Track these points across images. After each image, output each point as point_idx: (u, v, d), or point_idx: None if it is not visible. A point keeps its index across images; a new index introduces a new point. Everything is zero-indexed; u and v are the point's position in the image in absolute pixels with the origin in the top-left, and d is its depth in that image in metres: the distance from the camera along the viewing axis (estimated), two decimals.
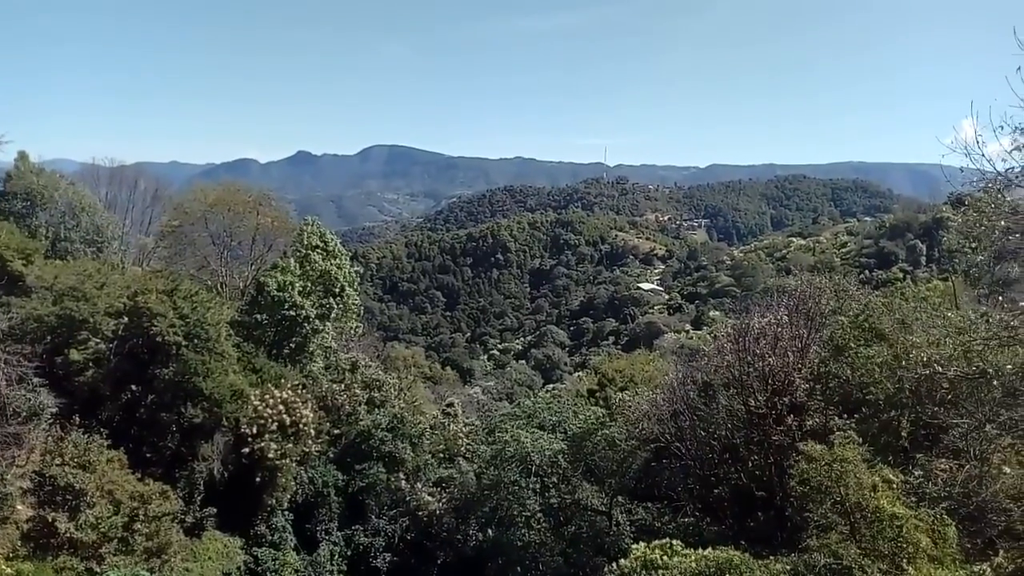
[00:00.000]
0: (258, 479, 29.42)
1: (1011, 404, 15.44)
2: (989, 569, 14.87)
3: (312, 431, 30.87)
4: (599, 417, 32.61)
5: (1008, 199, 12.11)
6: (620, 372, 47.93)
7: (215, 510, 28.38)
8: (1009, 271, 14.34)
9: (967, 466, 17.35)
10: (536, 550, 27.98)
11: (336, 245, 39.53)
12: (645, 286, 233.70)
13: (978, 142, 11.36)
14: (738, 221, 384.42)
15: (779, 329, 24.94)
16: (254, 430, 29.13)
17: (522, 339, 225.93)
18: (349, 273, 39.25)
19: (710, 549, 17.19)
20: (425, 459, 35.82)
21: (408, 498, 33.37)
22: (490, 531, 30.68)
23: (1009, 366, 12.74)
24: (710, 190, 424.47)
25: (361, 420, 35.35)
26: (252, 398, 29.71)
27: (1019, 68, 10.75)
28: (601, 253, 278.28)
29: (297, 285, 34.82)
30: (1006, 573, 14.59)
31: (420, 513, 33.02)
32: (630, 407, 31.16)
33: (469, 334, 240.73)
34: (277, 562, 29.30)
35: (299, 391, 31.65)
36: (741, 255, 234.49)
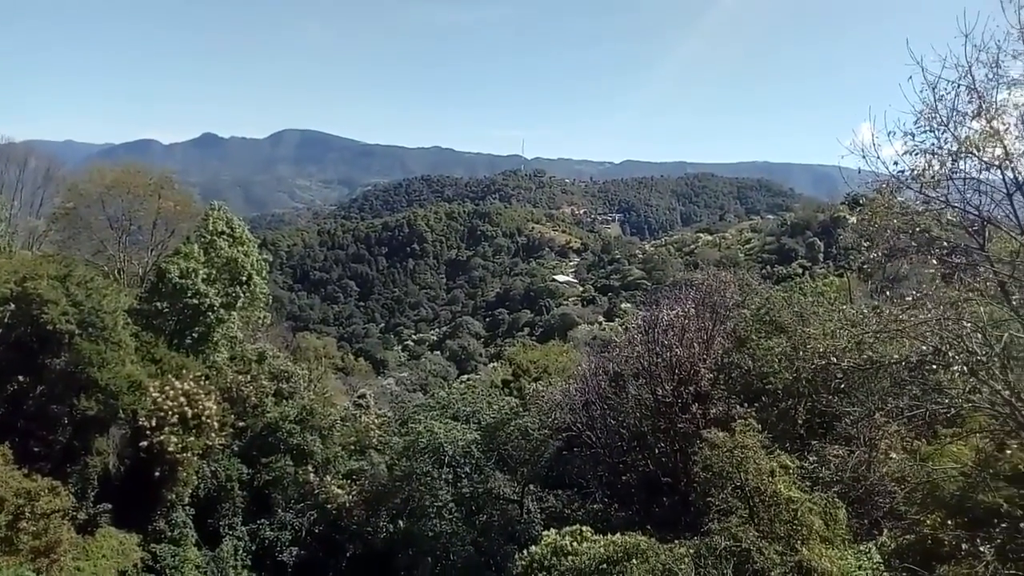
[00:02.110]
0: (157, 473, 28.08)
1: (898, 393, 16.45)
2: (874, 548, 15.82)
3: (216, 424, 29.68)
4: (513, 407, 32.80)
5: (899, 200, 12.77)
6: (534, 363, 48.42)
7: (110, 506, 26.95)
8: (899, 268, 15.24)
9: (857, 452, 18.38)
10: (447, 540, 27.90)
11: (243, 231, 38.04)
12: (560, 278, 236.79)
13: (874, 145, 11.97)
14: (650, 216, 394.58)
15: (686, 321, 25.71)
16: (153, 423, 27.77)
17: (437, 330, 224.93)
18: (257, 261, 37.89)
19: (618, 534, 17.56)
20: (335, 451, 35.08)
21: (317, 491, 32.62)
22: (401, 522, 30.40)
23: (896, 357, 13.54)
24: (624, 185, 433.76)
25: (268, 412, 34.26)
26: (151, 389, 28.28)
27: (910, 77, 11.39)
28: (518, 245, 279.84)
29: (201, 272, 33.32)
30: (889, 551, 15.56)
31: (329, 506, 32.35)
32: (543, 397, 31.51)
33: (383, 324, 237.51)
34: (177, 558, 28.09)
35: (202, 382, 30.35)
36: (652, 249, 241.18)
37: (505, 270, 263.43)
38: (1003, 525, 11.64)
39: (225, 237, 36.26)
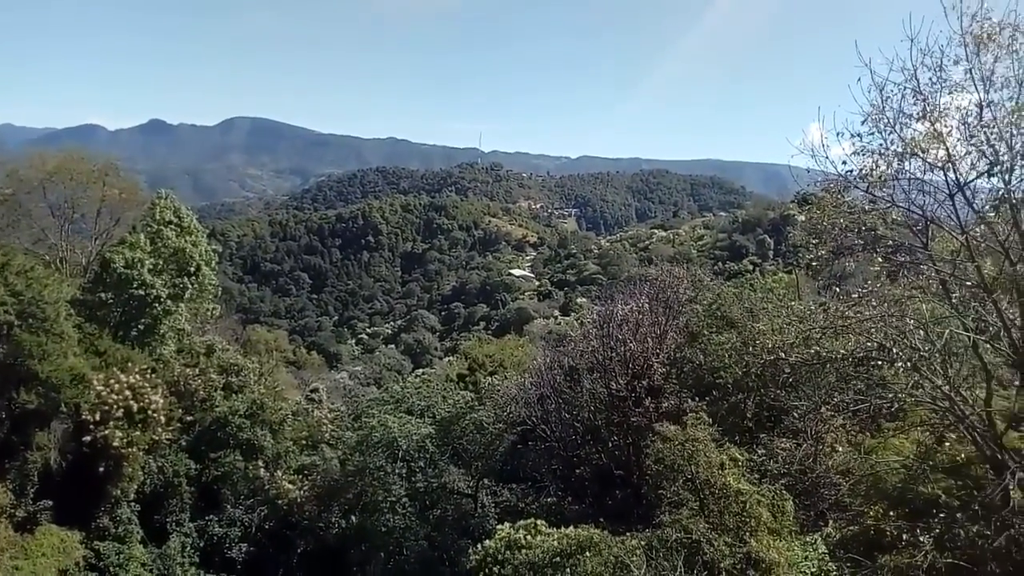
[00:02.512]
0: (101, 469, 27.29)
1: (843, 388, 16.91)
2: (820, 538, 16.26)
3: (162, 418, 28.96)
4: (468, 401, 32.74)
5: (847, 199, 13.07)
6: (490, 357, 48.35)
7: (51, 503, 26.14)
8: (846, 266, 15.59)
9: (804, 445, 18.84)
10: (401, 535, 27.75)
11: (192, 221, 37.07)
12: (517, 272, 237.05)
13: (823, 145, 12.23)
14: (606, 212, 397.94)
15: (640, 316, 25.99)
16: (97, 417, 26.97)
17: (392, 323, 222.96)
18: (206, 251, 36.99)
19: (571, 527, 17.70)
20: (286, 446, 34.58)
21: (267, 486, 32.12)
22: (354, 517, 30.10)
23: (842, 352, 13.89)
24: (580, 180, 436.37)
25: (217, 406, 33.58)
26: (95, 383, 27.45)
27: (859, 79, 11.66)
28: (474, 238, 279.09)
29: (147, 262, 32.39)
30: (834, 541, 16.00)
31: (280, 501, 31.88)
32: (499, 391, 31.52)
33: (337, 318, 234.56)
34: (122, 556, 27.37)
35: (148, 375, 29.58)
36: (608, 244, 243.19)
37: (461, 264, 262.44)
38: (941, 515, 12.07)
39: (173, 227, 35.30)
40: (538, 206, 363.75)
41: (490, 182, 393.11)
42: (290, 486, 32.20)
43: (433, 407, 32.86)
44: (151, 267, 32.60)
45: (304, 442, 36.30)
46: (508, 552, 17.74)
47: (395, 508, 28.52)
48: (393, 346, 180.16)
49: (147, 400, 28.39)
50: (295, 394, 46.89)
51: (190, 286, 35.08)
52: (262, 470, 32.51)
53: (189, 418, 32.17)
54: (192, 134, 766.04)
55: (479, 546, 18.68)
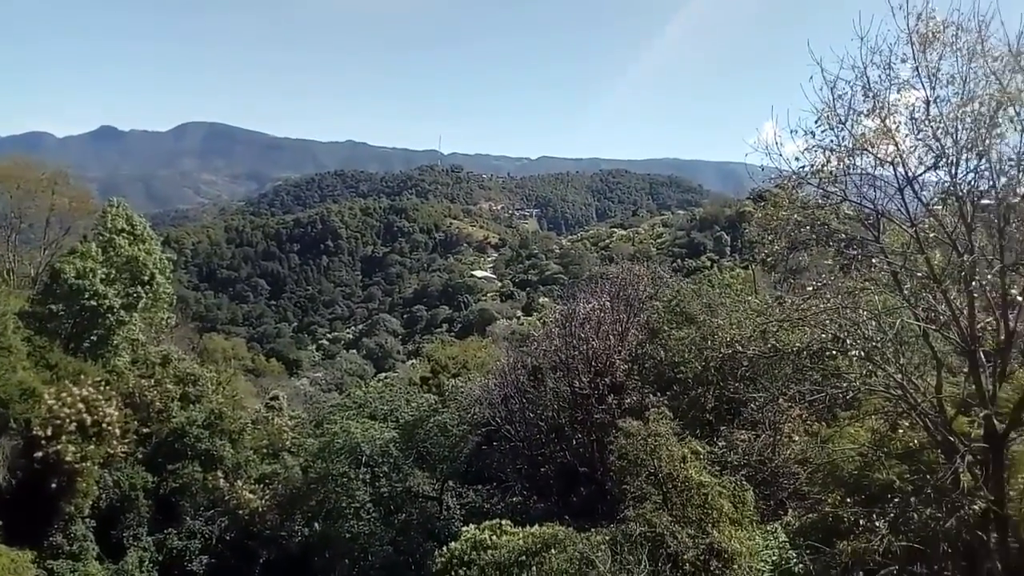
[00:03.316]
0: (54, 485, 26.48)
1: (800, 379, 17.23)
2: (780, 527, 16.58)
3: (117, 431, 28.27)
4: (431, 404, 32.61)
5: (800, 195, 13.33)
6: (453, 359, 48.31)
7: (0, 523, 25.17)
8: (800, 260, 15.91)
9: (762, 436, 19.20)
10: (365, 541, 27.49)
11: (145, 229, 36.23)
12: (479, 273, 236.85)
13: (777, 143, 12.44)
14: (566, 212, 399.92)
15: (602, 314, 26.18)
16: (49, 432, 26.17)
17: (353, 328, 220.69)
18: (160, 259, 36.17)
19: (537, 526, 17.75)
20: (246, 455, 33.96)
21: (227, 497, 31.49)
22: (317, 525, 29.72)
23: (798, 344, 14.19)
24: (541, 181, 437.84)
25: (174, 417, 32.83)
26: (46, 397, 26.65)
27: (811, 77, 11.92)
28: (435, 241, 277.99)
29: (99, 272, 31.52)
30: (793, 529, 16.34)
31: (241, 512, 31.30)
32: (462, 393, 31.48)
33: (296, 324, 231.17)
34: (77, 573, 26.61)
35: (102, 388, 28.83)
36: (569, 244, 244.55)
37: (423, 266, 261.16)
38: (895, 500, 12.41)
39: (125, 235, 34.44)
40: (499, 207, 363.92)
41: (450, 184, 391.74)
42: (251, 496, 31.63)
43: (396, 411, 32.65)
44: (103, 277, 31.75)
45: (265, 451, 35.72)
46: (474, 553, 17.70)
47: (359, 514, 28.25)
48: (355, 351, 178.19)
49: (101, 413, 27.68)
50: (255, 402, 46.07)
51: (144, 295, 34.24)
52: (222, 480, 31.86)
53: (145, 430, 31.43)
54: (144, 140, 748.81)
55: (445, 548, 18.62)
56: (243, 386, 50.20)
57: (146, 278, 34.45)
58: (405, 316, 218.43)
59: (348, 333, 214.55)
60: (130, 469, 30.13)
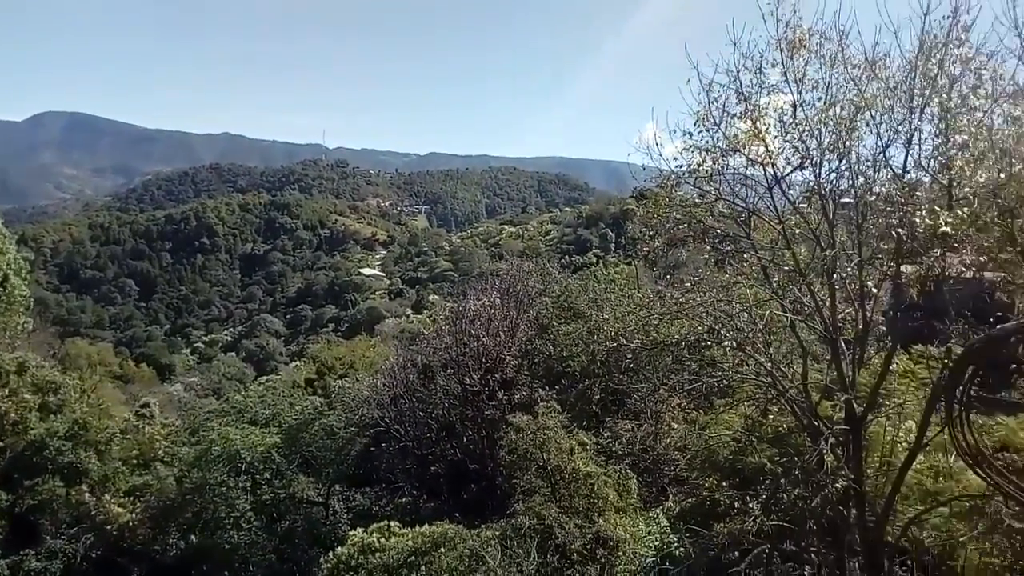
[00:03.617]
0: None
1: (679, 369, 17.93)
2: (661, 513, 17.20)
3: None
4: (317, 407, 31.68)
5: (679, 194, 13.80)
6: (340, 359, 47.24)
7: None
8: (679, 256, 16.50)
9: (645, 425, 19.85)
10: (246, 551, 26.25)
11: None
12: (366, 271, 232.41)
13: (657, 144, 12.79)
14: (456, 209, 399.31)
15: (492, 311, 26.23)
16: None
17: (232, 330, 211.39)
18: (15, 259, 33.06)
19: (426, 525, 17.55)
20: (115, 467, 31.63)
21: (94, 512, 29.20)
22: (194, 537, 28.09)
23: (678, 336, 14.75)
24: (430, 177, 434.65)
25: (32, 429, 30.06)
26: None
27: (688, 80, 12.35)
28: (320, 238, 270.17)
29: None
30: (674, 514, 16.99)
31: (109, 527, 29.10)
32: (350, 394, 30.76)
33: (169, 326, 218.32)
34: None
35: None
36: (459, 241, 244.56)
37: (307, 264, 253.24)
38: (767, 482, 13.09)
39: None
40: (387, 204, 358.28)
41: (336, 179, 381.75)
42: (120, 509, 29.52)
43: (279, 415, 31.41)
44: None
45: (135, 461, 33.44)
46: (361, 557, 17.27)
47: (239, 524, 26.96)
48: (233, 354, 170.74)
49: None
50: (123, 410, 43.09)
51: None
52: (87, 495, 29.54)
53: None
54: None
55: (331, 554, 18.04)
56: (111, 394, 46.98)
57: None
58: (288, 316, 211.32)
59: (226, 335, 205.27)
60: None
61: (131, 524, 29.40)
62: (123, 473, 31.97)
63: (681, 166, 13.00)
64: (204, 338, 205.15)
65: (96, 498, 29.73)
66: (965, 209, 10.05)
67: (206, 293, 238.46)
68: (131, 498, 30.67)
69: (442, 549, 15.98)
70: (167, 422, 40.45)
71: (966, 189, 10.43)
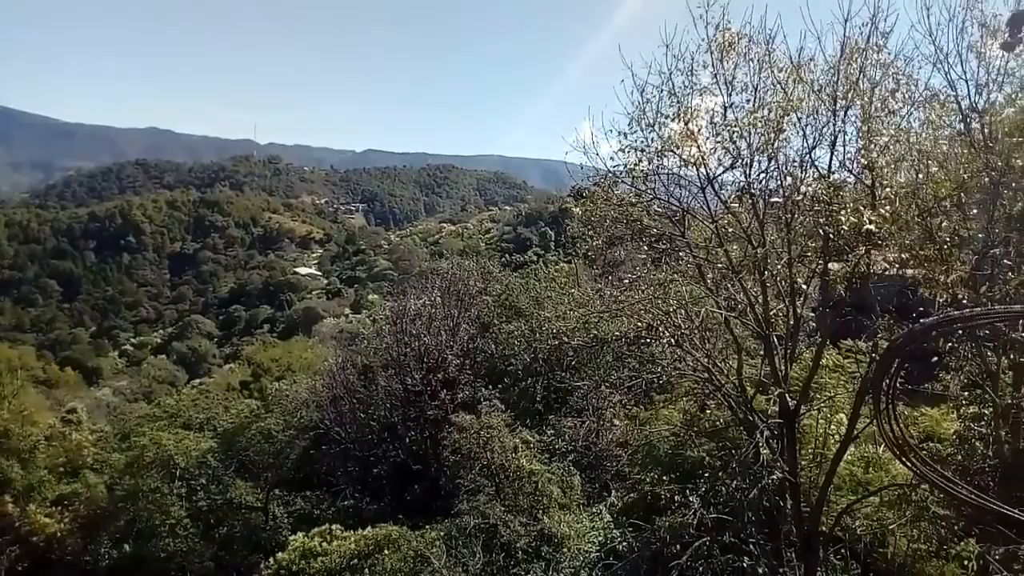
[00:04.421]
0: None
1: (619, 366, 18.27)
2: (604, 508, 17.45)
3: None
4: (253, 410, 30.98)
5: (616, 193, 14.00)
6: (276, 361, 46.12)
7: None
8: (617, 254, 16.75)
9: (587, 422, 20.08)
10: (183, 558, 25.53)
11: None
12: (302, 271, 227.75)
13: (594, 143, 12.95)
14: (395, 207, 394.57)
15: (433, 310, 26.11)
16: None
17: (162, 331, 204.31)
18: None
19: (370, 528, 17.37)
20: (40, 476, 30.34)
21: (18, 523, 27.99)
22: (127, 546, 27.13)
23: (617, 333, 15.01)
24: (367, 175, 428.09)
25: None
26: None
27: (623, 81, 12.53)
28: (253, 236, 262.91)
29: None
30: (617, 509, 17.27)
31: (35, 539, 27.91)
32: (287, 396, 30.17)
33: (95, 328, 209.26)
34: None
35: None
36: (398, 239, 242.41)
37: (240, 263, 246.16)
38: (706, 475, 13.49)
39: None
40: (323, 201, 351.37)
41: (268, 176, 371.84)
42: (47, 520, 28.33)
43: (214, 419, 30.67)
44: None
45: (62, 469, 32.09)
46: (303, 562, 16.98)
47: (175, 531, 26.18)
48: (164, 356, 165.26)
49: None
50: (48, 417, 41.16)
51: None
52: (11, 505, 28.32)
53: None
54: None
55: (272, 560, 17.68)
56: (34, 399, 44.65)
57: None
58: (221, 317, 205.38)
59: (156, 337, 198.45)
60: None
61: (59, 534, 28.27)
62: (49, 482, 30.70)
63: (617, 166, 13.18)
64: (133, 340, 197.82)
65: (20, 508, 28.52)
66: (887, 208, 10.51)
67: (133, 293, 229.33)
68: (59, 507, 29.48)
69: (386, 551, 15.89)
70: (95, 428, 39.00)
71: (888, 189, 10.89)
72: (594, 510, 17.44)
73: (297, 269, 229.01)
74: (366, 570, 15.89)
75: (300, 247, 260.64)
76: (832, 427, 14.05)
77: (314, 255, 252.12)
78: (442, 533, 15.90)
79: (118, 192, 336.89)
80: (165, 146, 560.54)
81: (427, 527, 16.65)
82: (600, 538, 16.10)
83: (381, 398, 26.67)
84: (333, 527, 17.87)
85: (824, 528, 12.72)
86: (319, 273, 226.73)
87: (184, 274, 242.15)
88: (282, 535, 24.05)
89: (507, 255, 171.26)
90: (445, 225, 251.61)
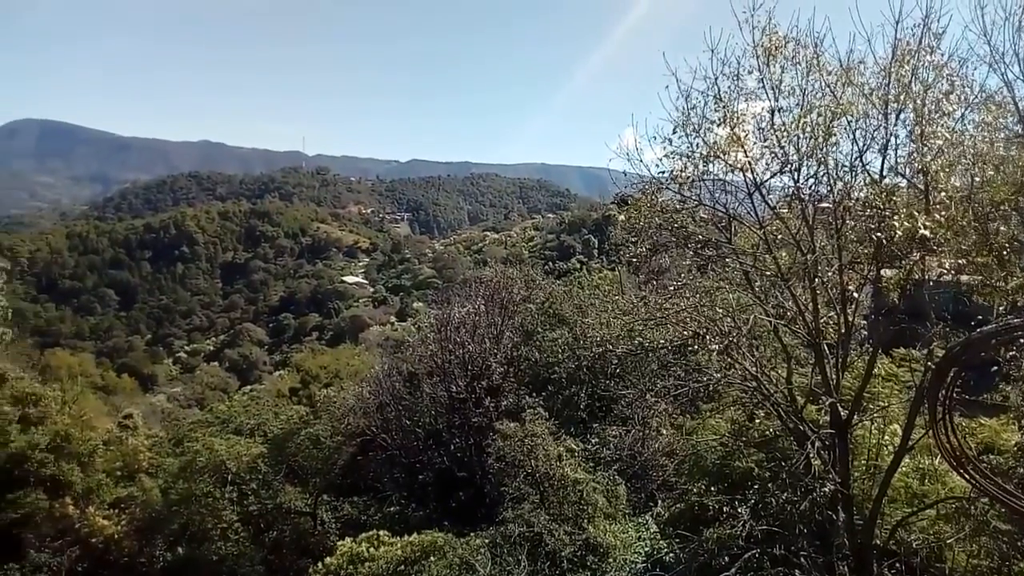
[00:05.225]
0: None
1: (664, 375, 18.06)
2: (651, 518, 17.27)
3: None
4: (302, 416, 31.48)
5: (661, 200, 13.89)
6: (324, 368, 46.92)
7: None
8: (661, 261, 16.61)
9: (632, 431, 19.92)
10: (234, 562, 26.06)
11: None
12: (349, 279, 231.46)
13: (637, 150, 12.88)
14: (438, 215, 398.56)
15: (477, 318, 26.25)
16: None
17: (214, 339, 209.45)
18: None
19: (415, 534, 17.50)
20: (98, 479, 31.32)
21: (78, 525, 28.93)
22: (180, 549, 27.85)
23: (662, 341, 14.86)
24: (412, 184, 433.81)
25: (12, 442, 29.65)
26: None
27: (667, 87, 12.46)
28: (302, 246, 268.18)
29: None
30: (663, 520, 17.06)
31: (94, 540, 28.81)
32: (335, 403, 30.61)
33: (150, 336, 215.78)
34: None
35: None
36: (442, 248, 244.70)
37: (289, 272, 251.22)
38: (755, 487, 13.23)
39: None
40: (369, 211, 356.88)
41: (316, 187, 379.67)
42: (105, 522, 29.23)
43: (264, 425, 31.29)
44: None
45: (119, 473, 33.11)
46: (351, 567, 17.18)
47: (226, 535, 26.77)
48: (216, 363, 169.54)
49: None
50: (106, 422, 42.60)
51: None
52: (71, 507, 29.23)
53: None
54: None
55: (320, 564, 17.94)
56: (92, 405, 46.33)
57: None
58: (271, 325, 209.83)
59: (208, 344, 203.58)
60: None
61: (116, 537, 29.12)
62: (107, 485, 31.66)
63: (662, 172, 13.08)
64: (186, 348, 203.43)
65: (80, 511, 29.42)
66: (942, 213, 10.21)
67: (187, 302, 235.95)
68: (115, 510, 30.38)
69: (432, 558, 15.94)
70: (151, 433, 40.14)
71: (942, 193, 10.58)
72: (640, 520, 17.26)
73: (344, 278, 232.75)
74: None
75: (347, 256, 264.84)
76: (886, 438, 13.66)
77: (360, 264, 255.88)
78: (487, 541, 15.90)
79: (172, 203, 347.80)
80: (217, 158, 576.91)
81: (472, 534, 16.68)
82: (646, 549, 15.92)
83: (426, 405, 26.87)
84: (380, 533, 18.04)
85: (878, 541, 12.36)
86: (365, 281, 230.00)
87: (235, 283, 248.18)
88: (330, 540, 24.40)
89: (550, 262, 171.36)
90: (488, 233, 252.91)
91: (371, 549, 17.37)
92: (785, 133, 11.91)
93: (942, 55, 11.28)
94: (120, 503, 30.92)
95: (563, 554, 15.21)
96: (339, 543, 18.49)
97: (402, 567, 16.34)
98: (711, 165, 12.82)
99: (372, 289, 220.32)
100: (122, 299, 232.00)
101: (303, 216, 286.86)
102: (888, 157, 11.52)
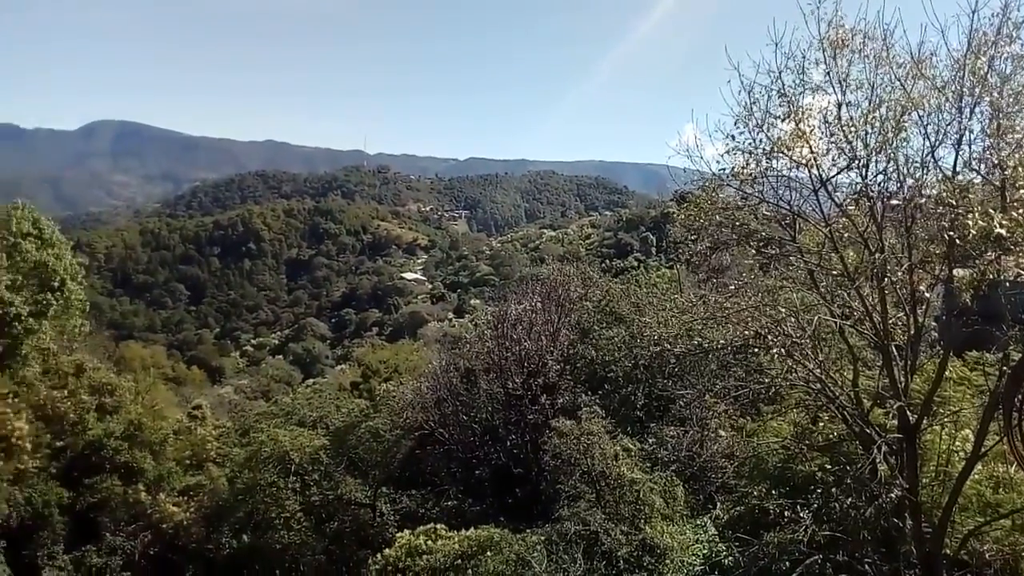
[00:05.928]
0: None
1: (724, 375, 17.78)
2: (709, 521, 17.04)
3: (28, 445, 26.84)
4: (363, 409, 32.10)
5: (721, 197, 13.67)
6: (384, 363, 47.73)
7: None
8: (722, 259, 16.35)
9: (691, 431, 19.65)
10: (297, 550, 26.80)
11: (54, 232, 34.24)
12: (408, 276, 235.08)
13: (697, 146, 12.67)
14: (496, 213, 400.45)
15: (534, 315, 26.31)
16: None
17: (279, 333, 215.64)
18: (71, 264, 34.27)
19: (472, 529, 17.68)
20: (169, 467, 32.74)
21: (150, 511, 30.29)
22: (245, 537, 28.76)
23: (722, 341, 14.60)
24: (469, 182, 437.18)
25: (90, 429, 31.27)
26: None
27: (728, 81, 12.23)
28: (363, 243, 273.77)
29: (4, 279, 29.70)
30: (722, 522, 16.81)
31: (164, 525, 30.11)
32: (394, 397, 31.12)
33: (218, 329, 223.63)
34: None
35: (10, 400, 27.30)
36: (499, 245, 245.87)
37: (350, 269, 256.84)
38: (818, 491, 12.89)
39: (32, 239, 32.47)
40: (428, 208, 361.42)
41: (377, 185, 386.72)
42: (175, 508, 30.49)
43: (326, 417, 32.03)
44: (9, 283, 29.89)
45: (188, 462, 34.52)
46: (409, 559, 17.49)
47: (289, 524, 27.52)
48: (281, 357, 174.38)
49: (10, 427, 26.26)
50: (176, 412, 44.38)
51: (54, 302, 32.37)
52: (143, 494, 30.66)
53: (59, 443, 29.93)
54: (50, 140, 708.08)
55: (379, 555, 18.31)
56: (164, 395, 48.36)
57: (56, 284, 32.60)
58: (333, 320, 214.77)
59: (273, 338, 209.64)
60: (43, 485, 28.59)
61: (185, 523, 30.34)
62: (177, 473, 33.01)
63: (723, 168, 12.84)
64: (252, 341, 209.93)
65: (152, 497, 30.82)
66: (1020, 211, 9.75)
67: (254, 297, 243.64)
68: (185, 497, 31.68)
69: (488, 553, 16.10)
70: (218, 423, 41.56)
71: (1021, 191, 10.10)
72: (698, 522, 17.05)
73: (404, 274, 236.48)
74: (469, 571, 16.16)
75: (406, 253, 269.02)
76: (957, 444, 13.13)
77: (419, 261, 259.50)
78: (543, 538, 15.96)
79: (239, 201, 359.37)
80: (282, 158, 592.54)
81: (528, 531, 16.76)
82: (705, 551, 15.73)
83: (483, 401, 27.08)
84: (438, 526, 18.30)
85: (948, 551, 11.92)
86: (424, 278, 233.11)
87: (300, 279, 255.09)
88: (389, 532, 24.86)
89: (607, 260, 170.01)
90: (545, 231, 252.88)
91: (429, 542, 17.63)
92: (852, 128, 11.55)
93: (1022, 45, 10.77)
94: (189, 490, 32.19)
95: (619, 554, 15.15)
96: (398, 535, 18.83)
97: (459, 561, 16.55)
98: (774, 161, 12.53)
99: (430, 286, 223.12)
100: (192, 294, 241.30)
101: (364, 214, 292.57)
102: (962, 152, 11.08)
